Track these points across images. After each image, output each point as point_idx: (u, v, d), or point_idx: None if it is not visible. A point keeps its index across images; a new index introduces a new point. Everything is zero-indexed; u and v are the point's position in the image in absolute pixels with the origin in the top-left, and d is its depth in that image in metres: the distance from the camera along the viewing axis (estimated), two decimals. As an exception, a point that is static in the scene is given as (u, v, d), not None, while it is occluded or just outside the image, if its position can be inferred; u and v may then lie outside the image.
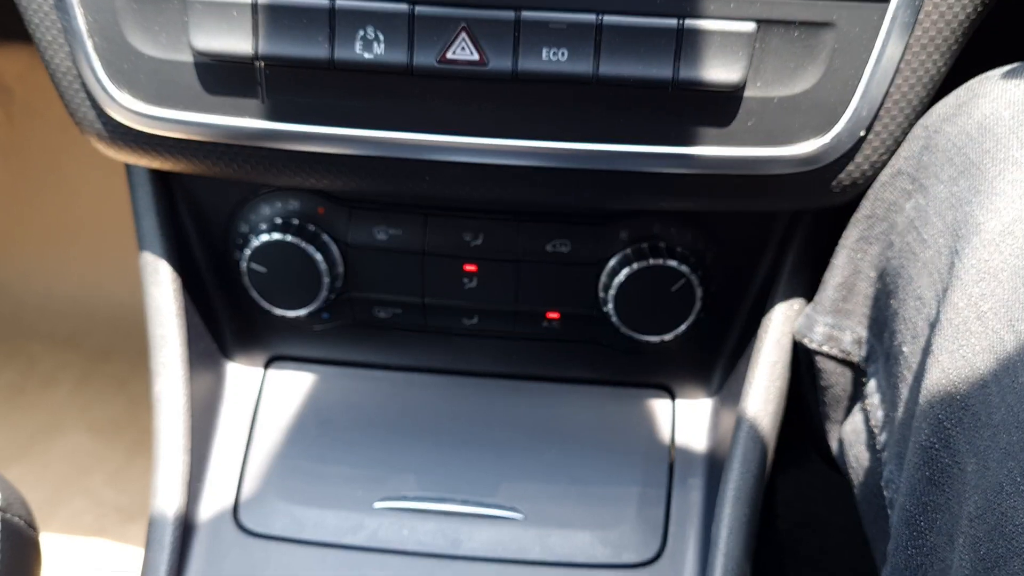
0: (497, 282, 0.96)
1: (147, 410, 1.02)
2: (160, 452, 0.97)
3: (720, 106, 0.74)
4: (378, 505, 1.01)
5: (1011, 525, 0.54)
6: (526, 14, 0.70)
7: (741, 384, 0.96)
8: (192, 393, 0.99)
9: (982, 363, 0.59)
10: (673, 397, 1.09)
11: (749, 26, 0.70)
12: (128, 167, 0.94)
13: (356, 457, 1.05)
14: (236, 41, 0.72)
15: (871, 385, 0.80)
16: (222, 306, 1.05)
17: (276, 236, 0.92)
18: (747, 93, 0.74)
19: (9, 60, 1.84)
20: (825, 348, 0.86)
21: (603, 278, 0.94)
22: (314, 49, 0.72)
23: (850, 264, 0.83)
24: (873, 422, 0.79)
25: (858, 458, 0.82)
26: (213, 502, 1.02)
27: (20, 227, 1.94)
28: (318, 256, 0.93)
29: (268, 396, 1.10)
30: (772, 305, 0.94)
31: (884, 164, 0.79)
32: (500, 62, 0.72)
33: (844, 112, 0.74)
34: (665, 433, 1.07)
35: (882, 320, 0.79)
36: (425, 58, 0.72)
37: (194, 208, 0.97)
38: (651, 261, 0.91)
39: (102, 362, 1.82)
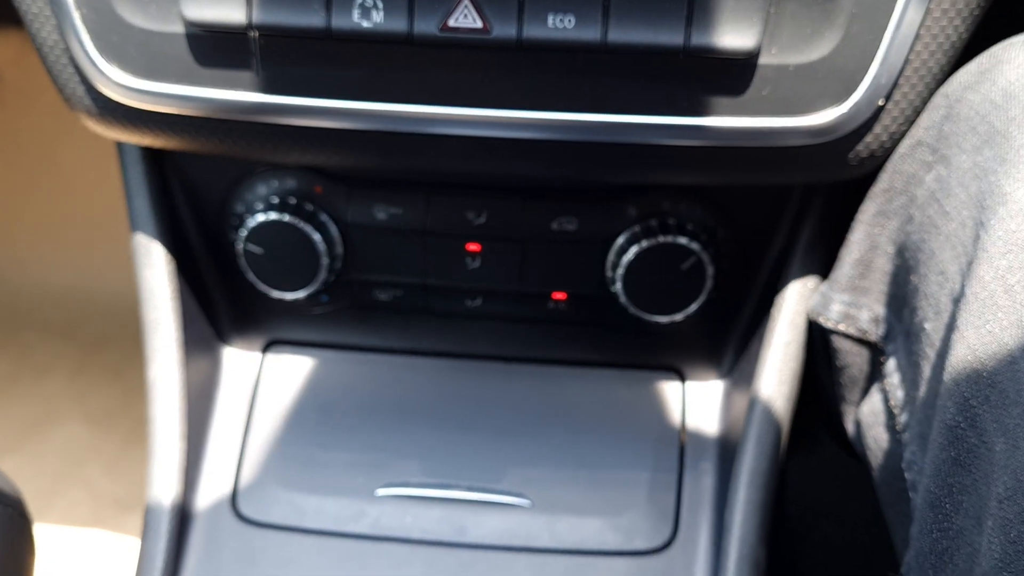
0: (501, 262, 0.94)
1: (143, 399, 1.02)
2: (155, 439, 0.96)
3: (734, 74, 0.72)
4: (380, 492, 1.00)
5: (1046, 506, 0.53)
6: None
7: (753, 365, 0.94)
8: (188, 379, 0.98)
9: (1010, 338, 0.57)
10: (683, 379, 1.08)
11: None
12: (119, 145, 0.92)
13: (357, 443, 1.04)
14: (228, 10, 0.70)
15: (890, 364, 0.79)
16: (218, 289, 1.04)
17: (273, 216, 0.91)
18: (762, 60, 0.71)
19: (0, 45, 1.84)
20: (841, 327, 0.84)
21: (611, 256, 0.92)
22: (310, 17, 0.70)
23: (867, 239, 0.81)
24: (893, 402, 0.77)
25: (876, 440, 0.81)
26: (211, 490, 1.01)
27: (14, 215, 1.94)
28: (316, 236, 0.91)
29: (266, 381, 1.09)
30: (786, 283, 0.92)
31: (903, 135, 0.77)
32: (504, 30, 0.69)
33: (862, 80, 0.72)
34: (675, 416, 1.06)
35: (902, 297, 0.77)
36: (426, 26, 0.70)
37: (188, 187, 0.95)
38: (661, 238, 0.89)
39: (97, 352, 1.82)
